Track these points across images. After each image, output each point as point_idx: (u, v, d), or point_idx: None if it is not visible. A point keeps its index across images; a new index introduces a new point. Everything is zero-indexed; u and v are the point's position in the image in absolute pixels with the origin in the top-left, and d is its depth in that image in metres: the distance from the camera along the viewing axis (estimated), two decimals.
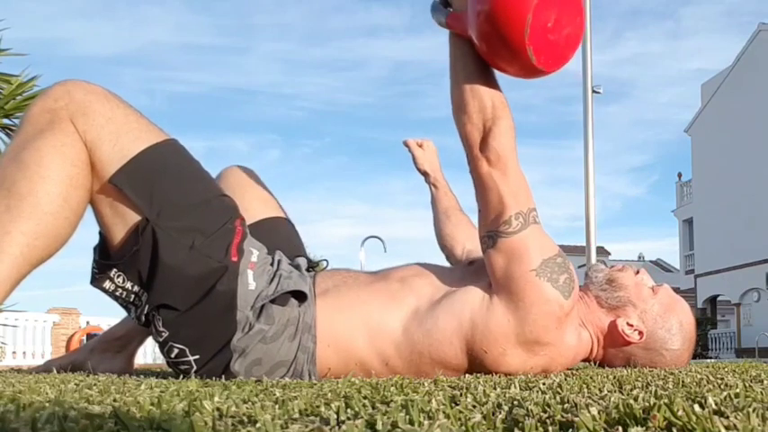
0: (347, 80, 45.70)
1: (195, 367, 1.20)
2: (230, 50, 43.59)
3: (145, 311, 1.19)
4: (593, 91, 3.32)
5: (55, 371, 1.49)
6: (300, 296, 1.24)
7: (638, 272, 1.44)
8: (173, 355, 1.20)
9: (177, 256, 1.15)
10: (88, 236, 1.23)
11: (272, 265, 1.28)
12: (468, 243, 1.62)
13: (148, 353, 8.97)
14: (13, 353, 8.58)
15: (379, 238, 10.34)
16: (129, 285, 1.18)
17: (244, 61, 43.62)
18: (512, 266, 1.21)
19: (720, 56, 48.89)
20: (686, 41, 40.95)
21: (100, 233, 1.22)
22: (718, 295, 21.06)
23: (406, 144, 1.81)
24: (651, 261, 32.38)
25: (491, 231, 1.24)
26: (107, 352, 1.60)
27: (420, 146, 1.79)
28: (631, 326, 1.35)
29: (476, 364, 1.25)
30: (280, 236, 1.54)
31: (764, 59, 18.80)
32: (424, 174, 1.78)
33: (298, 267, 1.33)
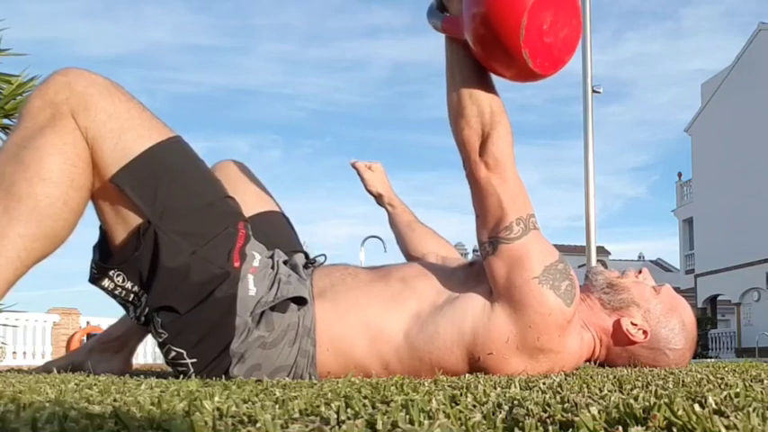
0: (348, 80, 45.73)
1: (192, 370, 1.19)
2: (231, 51, 43.64)
3: (144, 312, 1.19)
4: (594, 91, 3.32)
5: (55, 371, 1.49)
6: (300, 300, 1.23)
7: (640, 271, 1.44)
8: (170, 357, 1.20)
9: (179, 261, 1.13)
10: (89, 235, 1.22)
11: (272, 267, 1.26)
12: (441, 251, 1.60)
13: (149, 353, 8.96)
14: (14, 353, 8.58)
15: (379, 238, 10.34)
16: (128, 285, 1.17)
17: (244, 61, 43.64)
18: (513, 274, 1.20)
19: (720, 56, 48.91)
20: (686, 41, 41.00)
21: (101, 228, 1.21)
22: (718, 295, 21.05)
23: (354, 166, 1.80)
24: (651, 261, 32.36)
25: (492, 238, 1.22)
26: (106, 352, 1.59)
27: (369, 168, 1.79)
28: (635, 325, 1.35)
29: (477, 369, 1.23)
30: (275, 230, 1.53)
31: (764, 59, 18.79)
32: (378, 195, 1.77)
33: (295, 267, 1.31)
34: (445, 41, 1.27)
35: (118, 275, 1.17)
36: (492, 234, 1.22)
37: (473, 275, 1.30)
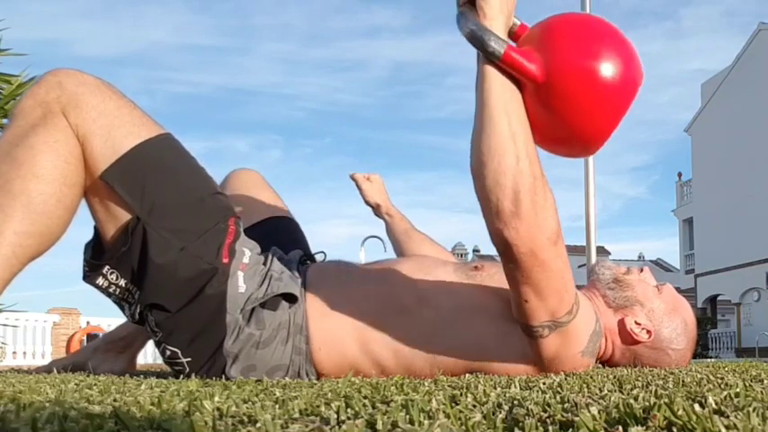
0: (348, 80, 45.81)
1: (188, 369, 1.19)
2: (231, 51, 43.72)
3: (138, 309, 1.18)
4: None
5: (56, 371, 1.49)
6: (291, 298, 1.22)
7: (641, 270, 1.44)
8: (167, 356, 1.20)
9: (167, 257, 1.13)
10: (90, 235, 1.23)
11: (264, 264, 1.25)
12: (437, 256, 1.61)
13: (149, 353, 8.95)
14: (14, 353, 8.58)
15: (379, 238, 10.25)
16: (122, 283, 1.17)
17: (244, 61, 43.71)
18: (562, 349, 1.18)
19: (720, 56, 49.01)
20: (686, 41, 41.06)
21: (95, 227, 1.21)
22: (718, 295, 21.05)
23: (353, 178, 1.83)
24: (651, 261, 32.36)
25: (551, 322, 1.14)
26: (110, 352, 1.60)
27: (367, 179, 1.82)
28: (639, 324, 1.35)
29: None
30: (283, 234, 1.54)
31: (764, 59, 18.79)
32: (375, 206, 1.80)
33: (289, 264, 1.30)
34: (490, 67, 1.08)
35: (111, 273, 1.17)
36: (551, 318, 1.14)
37: (478, 283, 1.28)
